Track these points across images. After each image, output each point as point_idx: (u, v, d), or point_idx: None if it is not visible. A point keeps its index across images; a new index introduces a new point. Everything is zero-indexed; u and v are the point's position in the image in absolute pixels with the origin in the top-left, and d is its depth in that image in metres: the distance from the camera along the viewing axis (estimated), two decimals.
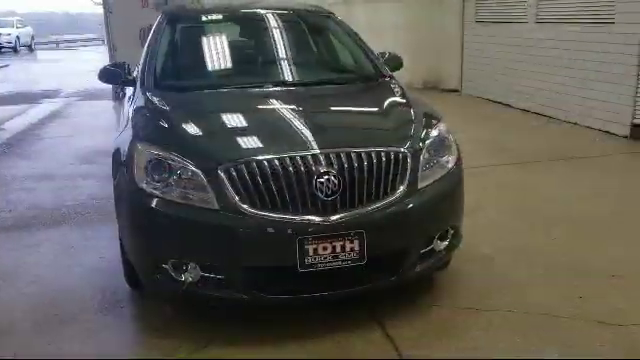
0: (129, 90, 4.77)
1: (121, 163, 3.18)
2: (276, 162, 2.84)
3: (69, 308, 3.37)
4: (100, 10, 11.63)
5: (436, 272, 3.47)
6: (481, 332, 3.06)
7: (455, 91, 11.05)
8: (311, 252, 2.80)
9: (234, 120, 3.47)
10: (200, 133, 3.17)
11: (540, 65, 8.57)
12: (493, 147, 6.77)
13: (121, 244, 3.32)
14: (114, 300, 3.45)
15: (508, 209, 4.80)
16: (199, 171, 2.86)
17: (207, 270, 2.89)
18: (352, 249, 2.84)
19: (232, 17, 4.80)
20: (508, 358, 2.81)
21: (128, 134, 3.31)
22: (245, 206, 2.79)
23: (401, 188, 2.99)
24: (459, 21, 10.85)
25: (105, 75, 4.08)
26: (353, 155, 2.91)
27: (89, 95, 12.38)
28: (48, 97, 12.17)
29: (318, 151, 2.90)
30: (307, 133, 3.09)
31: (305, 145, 2.96)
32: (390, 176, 2.97)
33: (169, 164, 2.93)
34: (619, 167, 6.14)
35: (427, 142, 3.21)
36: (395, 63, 4.48)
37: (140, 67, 4.01)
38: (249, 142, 3.09)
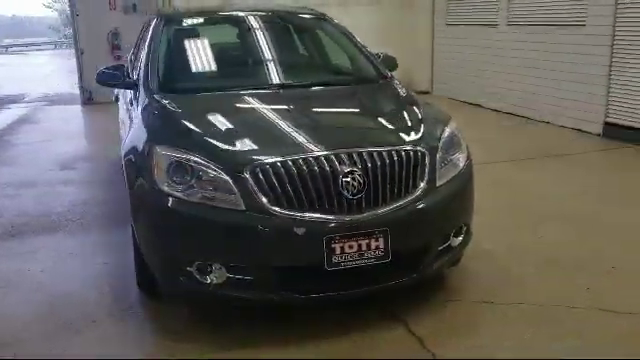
0: (122, 93, 4.71)
1: (137, 167, 3.13)
2: (301, 162, 2.85)
3: (78, 315, 3.28)
4: (51, 14, 11.42)
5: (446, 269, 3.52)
6: (499, 325, 3.13)
7: (426, 93, 11.21)
8: (338, 250, 2.82)
9: (253, 121, 3.45)
10: (221, 135, 3.14)
11: (512, 67, 8.77)
12: (479, 146, 6.86)
13: (135, 247, 3.27)
14: (126, 305, 3.39)
15: (505, 206, 4.91)
16: (225, 173, 2.84)
17: (233, 271, 2.87)
18: (377, 247, 2.88)
19: (230, 19, 4.79)
20: (535, 358, 2.85)
21: (139, 137, 3.26)
22: (272, 206, 2.79)
23: (421, 185, 3.04)
24: (430, 24, 11.03)
25: (103, 78, 4.00)
26: (375, 154, 2.95)
27: (55, 100, 12.06)
28: (12, 102, 11.80)
29: (341, 150, 2.92)
30: (328, 133, 3.11)
31: (328, 145, 2.97)
32: (411, 174, 3.02)
33: (191, 166, 2.90)
34: (601, 164, 6.39)
35: (441, 140, 3.27)
36: (390, 64, 4.55)
37: (142, 70, 3.94)
38: (272, 143, 3.08)
